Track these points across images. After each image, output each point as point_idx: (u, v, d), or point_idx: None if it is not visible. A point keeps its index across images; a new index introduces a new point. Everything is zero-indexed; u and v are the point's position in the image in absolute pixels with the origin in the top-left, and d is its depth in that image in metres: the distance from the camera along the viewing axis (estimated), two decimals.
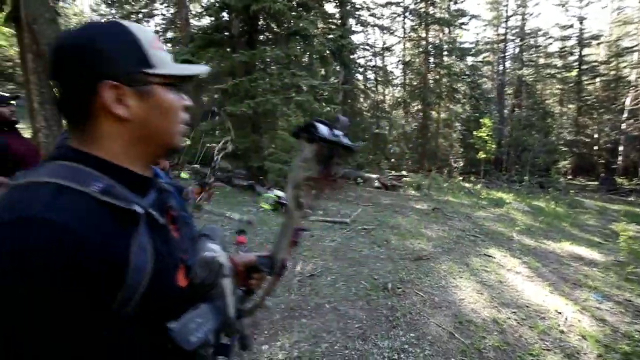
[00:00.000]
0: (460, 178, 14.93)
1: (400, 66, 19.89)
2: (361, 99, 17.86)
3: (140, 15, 15.84)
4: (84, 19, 24.11)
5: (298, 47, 8.33)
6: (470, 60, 17.75)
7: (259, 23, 8.71)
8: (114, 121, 0.48)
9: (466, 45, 17.67)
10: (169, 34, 15.62)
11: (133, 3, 16.38)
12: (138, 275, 0.43)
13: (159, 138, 0.53)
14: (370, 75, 19.06)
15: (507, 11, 21.32)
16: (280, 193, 5.56)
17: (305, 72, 7.89)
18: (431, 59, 17.91)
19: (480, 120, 14.65)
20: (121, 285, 0.41)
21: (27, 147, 2.24)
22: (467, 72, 17.13)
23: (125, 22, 0.50)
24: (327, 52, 8.93)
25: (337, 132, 0.69)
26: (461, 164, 18.14)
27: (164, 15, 16.33)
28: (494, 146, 14.23)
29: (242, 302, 0.72)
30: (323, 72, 11.71)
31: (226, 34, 8.52)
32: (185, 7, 12.54)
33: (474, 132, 14.60)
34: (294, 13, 8.00)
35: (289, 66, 7.45)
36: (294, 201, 0.73)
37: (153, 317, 0.46)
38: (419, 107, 18.35)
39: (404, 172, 14.09)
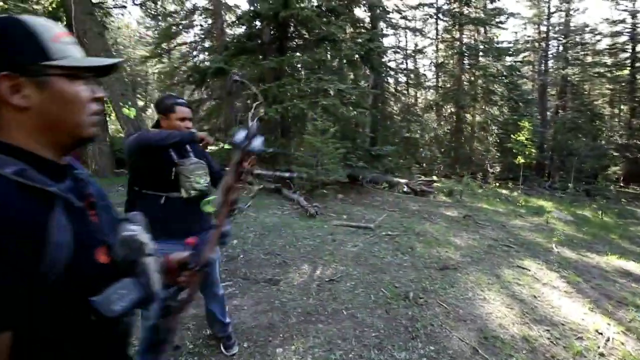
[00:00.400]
0: (497, 184, 14.18)
1: (433, 68, 19.36)
2: (392, 103, 17.57)
3: (180, 27, 16.74)
4: (130, 31, 25.95)
5: (327, 52, 8.38)
6: (508, 60, 16.87)
7: (289, 30, 8.88)
8: (14, 110, 0.51)
9: (504, 45, 16.79)
10: (206, 44, 16.38)
11: (175, 15, 17.40)
12: (59, 251, 0.46)
13: (63, 127, 0.55)
14: (402, 78, 18.75)
15: (549, 8, 20.05)
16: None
17: (333, 77, 7.91)
18: (465, 60, 17.26)
19: (519, 123, 13.85)
20: (44, 261, 0.45)
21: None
22: (505, 73, 16.27)
23: (24, 17, 0.52)
24: (356, 56, 8.89)
25: (254, 138, 0.76)
26: (498, 169, 17.22)
27: (201, 26, 17.13)
28: (534, 151, 13.37)
29: (174, 299, 0.74)
30: (352, 76, 11.67)
31: (258, 41, 8.78)
32: (220, 18, 13.09)
33: (512, 136, 13.84)
34: (323, 19, 8.07)
35: (317, 71, 7.51)
36: (222, 203, 0.79)
37: (78, 292, 0.49)
38: (452, 109, 17.72)
39: (435, 177, 13.63)
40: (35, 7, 7.71)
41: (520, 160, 13.36)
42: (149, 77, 23.98)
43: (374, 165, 9.61)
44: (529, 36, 21.04)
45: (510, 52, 16.66)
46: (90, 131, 0.58)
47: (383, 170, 10.94)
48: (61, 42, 0.54)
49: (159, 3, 16.86)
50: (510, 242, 5.09)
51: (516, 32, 21.33)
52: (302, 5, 7.36)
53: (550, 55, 20.58)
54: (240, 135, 0.76)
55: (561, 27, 20.09)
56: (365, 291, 3.08)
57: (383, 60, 14.86)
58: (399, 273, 3.54)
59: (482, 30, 17.74)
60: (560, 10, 19.94)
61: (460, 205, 8.17)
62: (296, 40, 9.44)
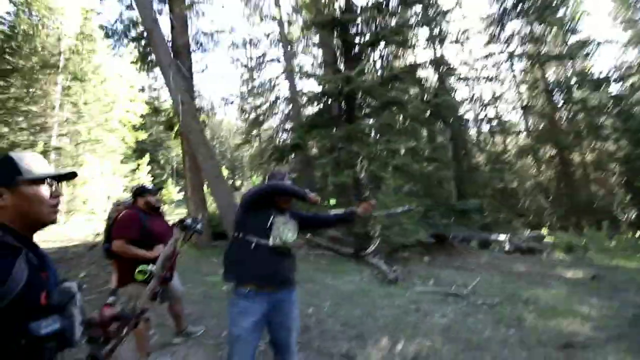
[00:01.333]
0: (636, 234, 11.25)
1: (518, 112, 17.90)
2: (477, 154, 16.44)
3: (266, 115, 19.55)
4: (227, 124, 31.24)
5: (393, 115, 8.58)
6: (612, 89, 14.68)
7: (355, 101, 9.51)
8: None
9: (602, 75, 14.84)
10: (287, 126, 18.58)
11: (262, 108, 20.57)
12: (14, 284, 0.70)
13: (29, 216, 0.85)
14: (484, 127, 17.67)
15: None
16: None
17: (403, 137, 7.93)
18: (556, 97, 15.61)
19: None
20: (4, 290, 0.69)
21: (165, 227, 2.85)
22: (611, 103, 14.06)
23: (12, 153, 0.87)
24: (426, 114, 8.87)
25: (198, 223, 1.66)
26: (633, 214, 13.79)
27: (283, 112, 19.78)
28: None
29: (99, 348, 0.93)
30: (425, 132, 11.53)
31: (328, 116, 9.56)
32: (296, 102, 14.87)
33: None
34: (386, 87, 8.47)
35: (385, 134, 7.66)
36: (160, 269, 1.11)
37: (20, 319, 0.71)
38: (552, 152, 15.58)
39: (544, 231, 11.55)
40: (161, 119, 10.12)
41: None
42: (243, 160, 27.70)
43: (462, 222, 8.72)
44: (632, 60, 18.29)
45: (613, 80, 14.55)
46: (51, 217, 0.89)
47: (477, 226, 9.83)
48: (29, 164, 0.86)
49: (249, 99, 20.19)
50: None
51: (615, 58, 18.80)
52: (363, 78, 7.91)
53: None
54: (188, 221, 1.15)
55: None
56: None
57: (458, 113, 14.49)
58: (504, 352, 2.87)
59: (569, 64, 16.20)
60: None
61: (584, 264, 6.63)
62: (363, 109, 10.00)
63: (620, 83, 14.99)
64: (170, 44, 8.29)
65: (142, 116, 20.00)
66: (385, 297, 4.29)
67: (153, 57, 8.70)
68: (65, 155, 14.99)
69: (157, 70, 8.97)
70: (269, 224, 1.86)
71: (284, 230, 1.86)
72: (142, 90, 23.45)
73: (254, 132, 21.21)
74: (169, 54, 7.72)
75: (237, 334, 1.78)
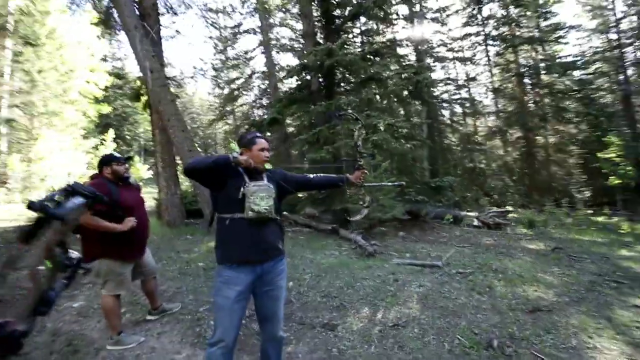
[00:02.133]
0: (589, 211, 12.19)
1: (489, 94, 18.42)
2: (449, 134, 16.87)
3: (241, 90, 18.82)
4: (199, 100, 29.90)
5: (373, 91, 8.51)
6: (577, 74, 15.38)
7: (336, 76, 9.31)
8: None
9: (568, 60, 15.46)
10: (264, 101, 18.03)
11: (237, 82, 19.75)
12: None
13: None
14: (457, 108, 18.08)
15: (615, 14, 18.24)
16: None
17: (380, 114, 7.90)
18: (526, 80, 16.15)
19: (605, 139, 12.11)
20: None
21: (135, 198, 2.66)
22: (576, 88, 14.76)
23: None
24: (405, 92, 8.87)
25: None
26: (587, 194, 14.90)
27: (259, 87, 19.05)
28: (630, 169, 11.39)
29: None
30: (402, 112, 11.59)
31: (307, 91, 9.32)
32: (273, 77, 14.36)
33: (599, 155, 12.06)
34: (367, 62, 8.33)
35: (364, 110, 7.60)
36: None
37: None
38: (520, 134, 16.30)
39: (509, 208, 12.22)
40: (127, 91, 9.40)
41: (615, 181, 11.45)
42: (217, 137, 26.77)
43: (436, 198, 8.99)
44: (597, 47, 19.17)
45: (578, 66, 15.22)
46: None
47: (448, 204, 10.18)
48: None
49: (223, 73, 19.28)
50: (619, 276, 4.14)
51: (580, 45, 19.60)
52: (345, 51, 7.71)
53: (629, 63, 18.25)
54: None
55: (635, 32, 17.95)
56: (437, 338, 2.65)
57: (434, 92, 14.65)
58: (477, 317, 3.02)
59: (539, 48, 16.69)
60: (629, 15, 17.98)
61: (545, 237, 7.08)
62: (343, 85, 9.83)
63: (585, 69, 15.70)
64: (136, 5, 7.58)
65: (105, 88, 18.60)
66: (364, 269, 4.36)
67: (117, 17, 7.94)
68: (19, 128, 13.74)
69: (121, 36, 8.27)
70: (240, 194, 1.75)
71: (255, 199, 1.74)
72: (105, 59, 21.68)
73: (228, 107, 20.45)
74: (135, 15, 7.07)
75: (222, 304, 1.72)
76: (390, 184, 3.26)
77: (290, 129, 13.27)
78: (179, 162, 8.15)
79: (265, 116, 11.88)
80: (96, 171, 2.60)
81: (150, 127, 8.89)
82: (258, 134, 1.94)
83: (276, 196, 1.85)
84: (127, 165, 2.66)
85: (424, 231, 7.55)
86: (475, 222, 8.34)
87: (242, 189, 1.75)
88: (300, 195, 9.40)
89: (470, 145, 15.98)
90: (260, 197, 1.75)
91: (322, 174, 2.16)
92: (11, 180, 12.62)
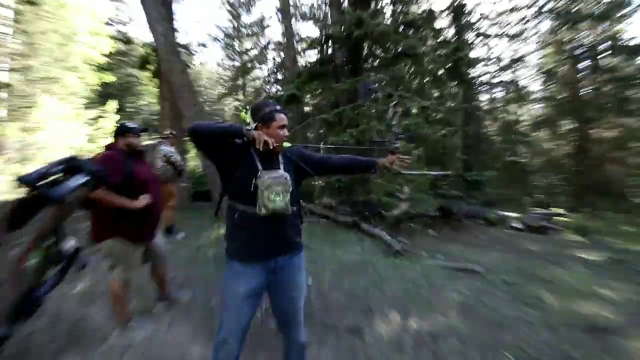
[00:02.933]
0: None
1: (539, 78, 17.66)
2: (487, 122, 16.37)
3: (254, 62, 18.71)
4: (208, 72, 29.97)
5: (406, 68, 8.25)
6: None
7: (363, 50, 9.06)
8: None
9: (635, 42, 14.54)
10: (279, 76, 17.86)
11: (251, 54, 19.62)
12: None
13: None
14: (498, 93, 17.46)
15: None
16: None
17: (413, 95, 7.66)
18: (583, 64, 15.39)
19: None
20: None
21: (149, 174, 2.63)
22: None
23: None
24: (441, 70, 8.55)
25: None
26: None
27: (274, 60, 18.87)
28: None
29: None
30: (437, 93, 11.27)
31: (330, 65, 9.12)
32: (292, 49, 14.09)
33: None
34: (400, 35, 8.04)
35: (395, 90, 7.38)
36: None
37: None
38: (571, 125, 15.65)
39: (556, 210, 11.84)
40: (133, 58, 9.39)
41: None
42: (226, 114, 26.87)
43: (471, 194, 8.76)
44: None
45: None
46: None
47: (483, 201, 9.93)
48: None
49: (236, 43, 19.15)
50: None
51: None
52: (376, 21, 7.46)
53: None
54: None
55: None
56: (481, 353, 2.54)
57: (473, 73, 14.14)
58: (525, 331, 2.90)
59: (600, 27, 15.78)
60: None
61: (601, 246, 6.81)
62: (370, 60, 9.57)
63: None
64: None
65: (109, 54, 18.78)
66: (391, 269, 4.27)
67: None
68: (16, 93, 14.07)
69: None
70: (252, 186, 1.61)
71: (270, 195, 1.60)
72: (109, 23, 21.87)
73: (239, 81, 20.41)
74: None
75: (229, 300, 1.65)
76: (433, 172, 2.99)
77: (307, 109, 13.13)
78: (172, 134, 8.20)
79: (281, 92, 11.76)
80: (110, 141, 2.57)
81: (158, 99, 8.92)
82: (277, 106, 1.77)
83: (294, 183, 1.72)
84: (141, 137, 2.63)
85: (457, 230, 7.39)
86: (515, 224, 8.10)
87: (254, 181, 1.62)
88: (315, 181, 9.32)
89: (512, 135, 15.43)
90: (275, 193, 1.61)
91: (345, 155, 1.96)
92: (9, 150, 13.03)
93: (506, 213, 9.01)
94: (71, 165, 1.65)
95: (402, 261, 4.70)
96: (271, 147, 1.62)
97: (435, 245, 5.86)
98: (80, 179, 1.64)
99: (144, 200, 2.39)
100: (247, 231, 1.66)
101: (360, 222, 6.94)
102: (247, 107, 1.77)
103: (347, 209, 8.48)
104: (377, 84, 1.88)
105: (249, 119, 1.74)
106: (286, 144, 1.75)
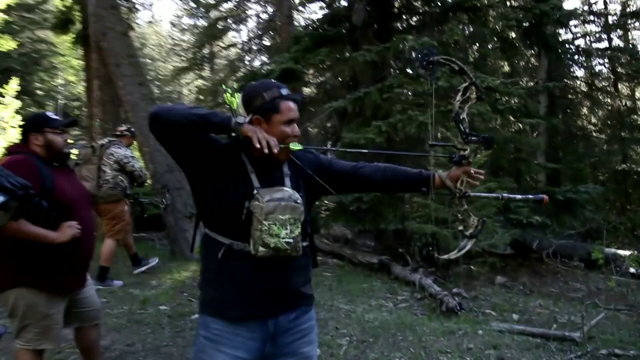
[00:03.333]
0: None
1: None
2: (584, 108, 16.51)
3: (229, 21, 19.04)
4: (158, 28, 30.53)
5: (461, 29, 8.38)
6: None
7: (395, 3, 9.25)
8: None
9: None
10: (266, 41, 18.18)
11: (222, 8, 19.96)
12: None
13: None
14: (600, 66, 17.61)
15: None
16: None
17: (474, 69, 7.78)
18: None
19: None
20: None
21: (77, 190, 2.67)
22: None
23: None
24: (514, 30, 8.67)
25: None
26: None
27: (259, 17, 19.27)
28: None
29: None
30: (507, 67, 11.42)
31: (345, 26, 9.31)
32: (285, 1, 14.26)
33: None
34: None
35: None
36: None
37: None
38: None
39: None
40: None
41: None
42: (185, 98, 27.23)
43: (562, 222, 8.77)
44: None
45: None
46: None
47: (580, 232, 9.93)
48: None
49: None
50: None
51: None
52: None
53: None
54: None
55: None
56: None
57: (563, 36, 14.31)
58: None
59: None
60: None
61: None
62: (406, 18, 9.74)
63: None
64: None
65: (6, 9, 19.22)
66: (441, 335, 4.30)
67: None
68: None
69: None
70: (243, 212, 1.55)
71: (272, 227, 1.52)
72: None
73: (206, 50, 20.75)
74: None
75: None
76: (518, 196, 2.58)
77: (309, 90, 13.33)
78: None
79: (271, 66, 11.93)
80: (14, 140, 2.63)
81: (84, 75, 9.11)
82: (284, 90, 1.68)
83: (305, 206, 1.66)
84: (68, 134, 2.68)
85: (539, 276, 7.47)
86: (634, 268, 8.11)
87: (246, 204, 1.56)
88: (320, 201, 9.42)
89: (625, 131, 15.50)
90: (280, 223, 1.54)
91: (381, 164, 1.94)
92: None
93: (618, 251, 8.99)
94: None
95: (457, 324, 4.73)
96: (274, 152, 1.53)
97: (508, 300, 5.91)
98: None
99: (68, 230, 2.41)
100: (235, 277, 1.64)
101: (391, 262, 6.97)
102: (235, 90, 1.71)
103: (371, 244, 8.51)
104: (434, 56, 1.79)
105: (239, 106, 1.65)
106: (295, 147, 1.66)
